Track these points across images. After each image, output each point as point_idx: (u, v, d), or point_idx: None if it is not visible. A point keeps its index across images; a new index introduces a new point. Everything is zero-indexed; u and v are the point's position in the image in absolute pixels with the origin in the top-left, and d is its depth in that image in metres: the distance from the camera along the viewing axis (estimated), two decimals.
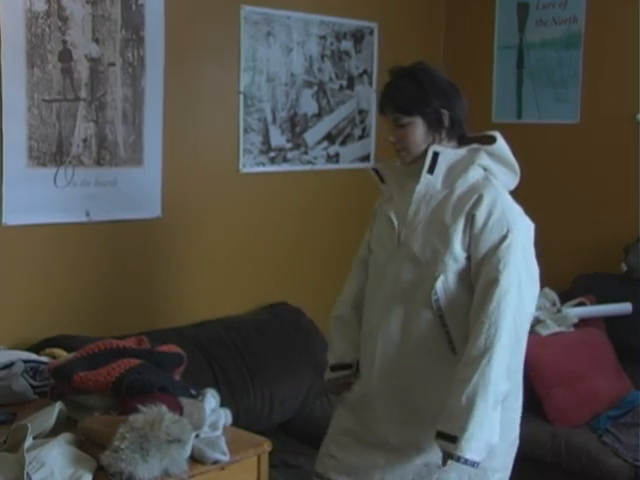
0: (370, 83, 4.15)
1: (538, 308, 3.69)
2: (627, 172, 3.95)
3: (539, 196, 4.30)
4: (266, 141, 3.72)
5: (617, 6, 3.99)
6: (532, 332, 3.58)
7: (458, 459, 2.11)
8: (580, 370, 3.45)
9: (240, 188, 3.63)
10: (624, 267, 3.83)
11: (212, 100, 3.51)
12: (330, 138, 3.99)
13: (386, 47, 4.14)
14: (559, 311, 3.68)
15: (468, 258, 2.25)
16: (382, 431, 2.34)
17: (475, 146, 2.32)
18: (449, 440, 2.12)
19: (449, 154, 2.28)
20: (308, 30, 3.83)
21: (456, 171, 2.28)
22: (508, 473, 2.40)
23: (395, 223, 2.34)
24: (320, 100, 3.93)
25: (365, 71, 4.12)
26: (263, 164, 3.72)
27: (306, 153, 3.89)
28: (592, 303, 3.78)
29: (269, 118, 3.72)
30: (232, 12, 3.53)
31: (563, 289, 3.89)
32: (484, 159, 2.31)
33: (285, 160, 3.81)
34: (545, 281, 3.85)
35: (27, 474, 1.80)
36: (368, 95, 4.13)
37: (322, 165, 3.95)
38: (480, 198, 2.24)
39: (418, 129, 2.29)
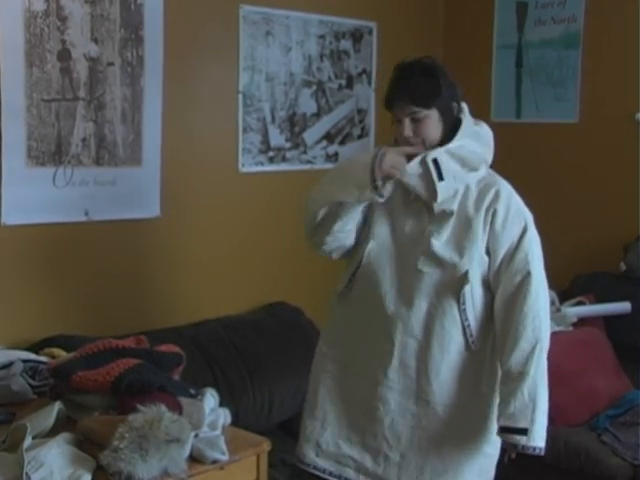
0: (369, 82, 4.15)
1: None
2: (626, 171, 3.95)
3: (538, 195, 4.29)
4: (265, 141, 3.72)
5: (616, 5, 3.99)
6: None
7: (530, 449, 2.22)
8: (579, 369, 3.45)
9: (239, 188, 3.63)
10: (623, 266, 3.83)
11: (211, 100, 3.51)
12: (329, 137, 3.99)
13: (385, 47, 4.14)
14: (558, 310, 3.67)
15: (487, 253, 2.30)
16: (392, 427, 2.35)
17: (467, 141, 2.32)
18: (518, 433, 2.22)
19: (444, 155, 2.27)
20: (307, 30, 3.83)
21: (464, 166, 2.29)
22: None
23: (419, 217, 2.33)
24: (319, 99, 3.93)
25: (364, 70, 4.12)
26: (262, 164, 3.72)
27: (305, 152, 3.89)
28: (591, 302, 3.78)
29: (268, 118, 3.72)
30: (231, 12, 3.53)
31: (562, 288, 3.89)
32: (476, 147, 2.33)
33: (284, 160, 3.81)
34: None
35: (26, 474, 1.80)
36: (367, 94, 4.13)
37: (321, 164, 3.94)
38: (498, 193, 2.30)
39: (434, 122, 2.29)
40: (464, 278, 2.27)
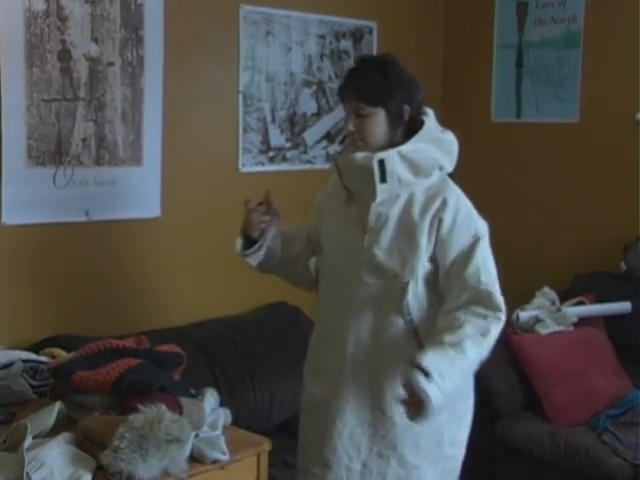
0: None
1: (538, 307, 3.70)
2: (626, 171, 3.95)
3: (538, 195, 4.31)
4: (265, 140, 3.72)
5: (616, 5, 3.99)
6: (531, 331, 3.60)
7: (423, 394, 2.08)
8: (579, 369, 3.45)
9: (239, 187, 3.62)
10: (623, 266, 3.83)
11: (211, 99, 3.51)
12: (329, 137, 3.99)
13: (385, 46, 4.12)
14: (558, 310, 3.67)
15: (433, 261, 2.25)
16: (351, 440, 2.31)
17: (424, 145, 2.25)
18: (423, 373, 2.10)
19: (394, 157, 2.21)
20: (307, 29, 3.83)
21: (415, 173, 2.24)
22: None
23: (359, 226, 2.29)
24: (319, 99, 3.93)
25: None
26: (262, 163, 3.72)
27: (305, 152, 3.89)
28: (591, 302, 3.78)
29: (268, 117, 3.72)
30: (231, 11, 3.53)
31: (562, 288, 3.89)
32: (434, 152, 2.27)
33: (284, 159, 3.81)
34: (544, 280, 3.90)
35: (27, 474, 1.80)
36: None
37: (321, 164, 3.94)
38: (445, 201, 2.24)
39: (379, 121, 2.23)
40: (406, 288, 2.23)
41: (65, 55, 2.97)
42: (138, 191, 3.25)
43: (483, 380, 3.46)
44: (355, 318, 2.29)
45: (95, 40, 3.05)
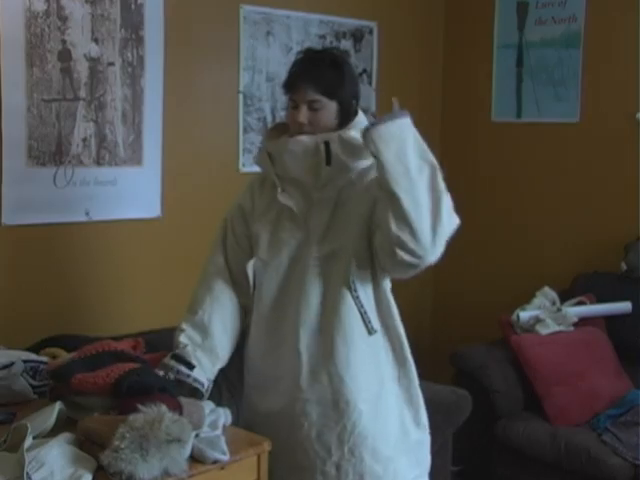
0: (370, 82, 4.14)
1: (538, 307, 3.70)
2: (627, 171, 3.95)
3: (538, 195, 4.31)
4: None
5: (617, 5, 3.99)
6: (532, 331, 3.60)
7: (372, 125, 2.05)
8: (580, 369, 3.45)
9: (240, 188, 3.60)
10: (624, 266, 3.82)
11: (211, 100, 3.51)
12: None
13: (385, 46, 4.14)
14: (559, 310, 3.68)
15: (371, 227, 2.20)
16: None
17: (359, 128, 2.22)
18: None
19: (335, 141, 2.20)
20: (307, 29, 3.83)
21: (353, 156, 2.22)
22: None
23: (300, 216, 2.25)
24: None
25: (365, 70, 4.12)
26: None
27: None
28: (592, 302, 3.78)
29: (269, 118, 3.72)
30: (231, 11, 3.53)
31: (563, 288, 3.89)
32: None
33: None
34: (545, 280, 3.90)
35: (27, 474, 1.80)
36: (368, 94, 4.13)
37: None
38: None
39: (331, 114, 2.23)
40: (350, 263, 2.19)
41: (65, 55, 2.97)
42: (138, 191, 3.25)
43: (483, 380, 3.49)
44: (304, 311, 2.23)
45: (95, 40, 3.05)
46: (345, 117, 2.25)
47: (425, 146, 2.11)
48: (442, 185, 2.09)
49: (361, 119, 2.28)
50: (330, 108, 2.22)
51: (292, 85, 2.26)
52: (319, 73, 2.22)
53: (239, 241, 2.42)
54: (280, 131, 2.34)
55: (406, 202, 2.04)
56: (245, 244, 2.41)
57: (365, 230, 2.21)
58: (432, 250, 2.08)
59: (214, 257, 2.46)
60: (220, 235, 2.47)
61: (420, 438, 2.36)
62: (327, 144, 2.19)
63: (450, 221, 2.11)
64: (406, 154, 2.06)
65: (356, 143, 2.21)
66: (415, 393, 2.35)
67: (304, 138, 2.22)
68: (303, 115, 2.22)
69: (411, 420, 2.33)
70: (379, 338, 2.26)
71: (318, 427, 2.24)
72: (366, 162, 2.24)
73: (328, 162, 2.20)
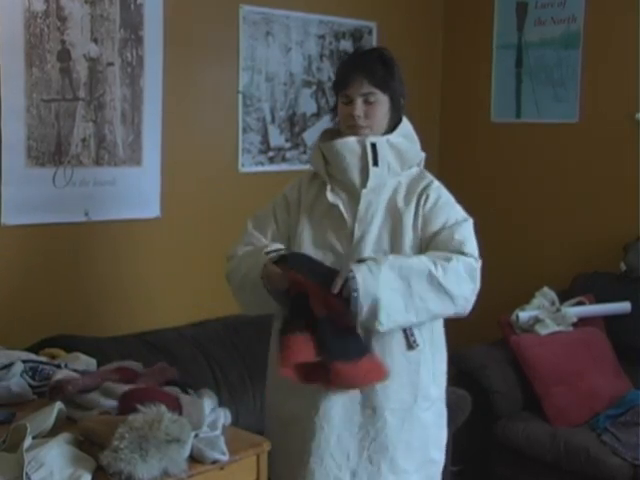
0: None
1: (537, 307, 3.70)
2: (626, 171, 3.95)
3: (538, 195, 4.31)
4: (265, 141, 3.72)
5: (616, 5, 3.99)
6: (531, 331, 3.60)
7: (352, 281, 2.06)
8: (579, 369, 3.45)
9: (239, 188, 3.63)
10: (623, 266, 3.83)
11: (211, 100, 3.51)
12: None
13: (385, 47, 4.13)
14: (558, 310, 3.68)
15: (418, 239, 2.24)
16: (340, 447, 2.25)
17: (404, 139, 2.29)
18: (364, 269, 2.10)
19: (384, 144, 2.23)
20: (307, 30, 3.83)
21: (400, 160, 2.26)
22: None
23: (347, 219, 2.26)
24: (319, 99, 3.93)
25: None
26: (262, 164, 3.72)
27: (305, 153, 3.88)
28: (591, 302, 3.78)
29: (268, 118, 3.72)
30: (231, 12, 3.53)
31: (562, 288, 3.89)
32: (416, 146, 2.33)
33: (284, 160, 3.80)
34: (544, 280, 3.90)
35: (26, 474, 1.80)
36: None
37: None
38: (429, 184, 2.27)
39: (384, 108, 2.25)
40: None
41: (65, 55, 2.97)
42: (138, 191, 3.25)
43: (483, 380, 3.49)
44: None
45: (95, 40, 3.05)
46: (395, 115, 2.28)
47: (398, 261, 2.12)
48: (434, 271, 2.13)
49: (406, 126, 2.30)
50: (383, 102, 2.25)
51: (345, 80, 2.27)
52: (372, 67, 2.25)
53: (279, 227, 2.41)
54: (331, 135, 2.35)
55: (424, 317, 2.17)
56: (285, 231, 2.40)
57: (415, 241, 2.23)
58: (469, 307, 2.24)
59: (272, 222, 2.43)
60: (268, 215, 2.46)
61: (438, 458, 2.36)
62: (374, 145, 2.21)
63: (468, 280, 2.19)
64: (392, 306, 2.10)
65: (403, 148, 2.26)
66: (444, 418, 2.36)
67: (352, 139, 2.24)
68: (359, 108, 2.23)
69: (435, 440, 2.34)
70: (422, 354, 2.26)
71: (339, 431, 2.23)
72: (414, 169, 2.29)
73: (375, 163, 2.22)
